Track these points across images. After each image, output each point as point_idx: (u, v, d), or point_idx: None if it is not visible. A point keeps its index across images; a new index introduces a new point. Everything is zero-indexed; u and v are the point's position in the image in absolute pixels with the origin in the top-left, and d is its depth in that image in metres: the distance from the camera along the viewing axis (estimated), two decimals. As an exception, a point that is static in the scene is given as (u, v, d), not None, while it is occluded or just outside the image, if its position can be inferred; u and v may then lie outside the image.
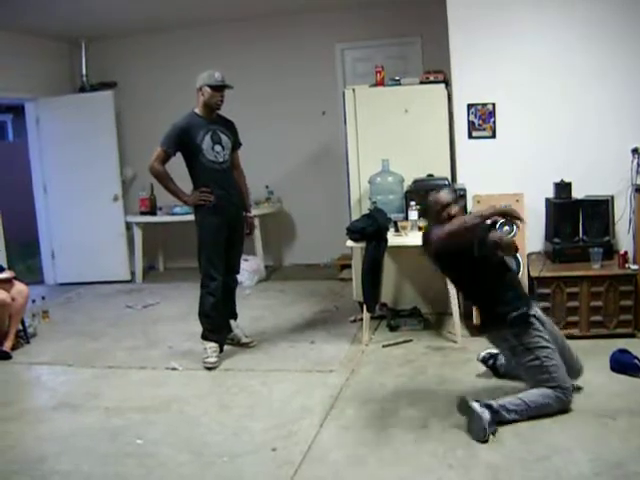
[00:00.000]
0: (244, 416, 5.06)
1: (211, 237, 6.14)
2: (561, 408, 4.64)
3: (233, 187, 6.32)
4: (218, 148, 6.13)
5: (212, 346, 6.18)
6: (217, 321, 6.27)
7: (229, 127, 6.31)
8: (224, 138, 6.19)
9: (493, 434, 4.42)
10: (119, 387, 5.83)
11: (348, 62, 9.85)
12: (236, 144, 6.40)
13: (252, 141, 9.90)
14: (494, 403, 4.55)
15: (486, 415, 4.41)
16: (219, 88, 6.07)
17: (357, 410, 5.02)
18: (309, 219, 10.10)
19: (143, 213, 9.99)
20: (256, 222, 7.09)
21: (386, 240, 6.44)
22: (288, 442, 4.57)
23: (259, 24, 9.82)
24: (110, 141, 9.90)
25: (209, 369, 6.03)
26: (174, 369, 6.14)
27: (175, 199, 6.36)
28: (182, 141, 6.07)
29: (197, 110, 6.16)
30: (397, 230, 6.56)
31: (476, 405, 4.48)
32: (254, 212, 9.52)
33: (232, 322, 6.61)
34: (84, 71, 10.25)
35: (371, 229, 6.39)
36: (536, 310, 4.89)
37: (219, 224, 6.14)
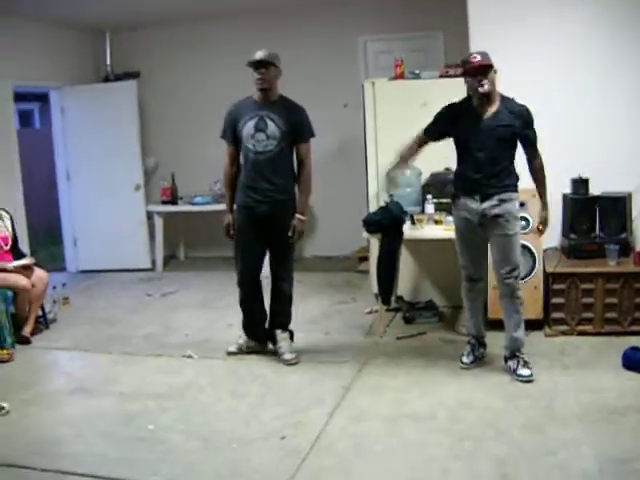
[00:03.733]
0: (256, 404, 5.11)
1: (237, 233, 5.96)
2: None
3: (272, 182, 5.75)
4: (261, 136, 5.67)
5: (240, 336, 6.18)
6: (246, 317, 6.14)
7: (289, 115, 5.77)
8: (271, 126, 5.68)
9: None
10: (135, 373, 5.91)
11: (370, 55, 9.83)
12: (298, 135, 5.83)
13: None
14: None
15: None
16: (256, 65, 5.67)
17: (368, 401, 5.07)
18: (330, 211, 10.09)
19: (164, 202, 10.03)
20: (306, 225, 6.05)
21: (402, 233, 6.47)
22: (297, 431, 4.62)
23: (282, 16, 9.82)
24: (133, 130, 9.95)
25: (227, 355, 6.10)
26: (190, 357, 6.20)
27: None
28: (232, 126, 5.82)
29: (255, 94, 5.81)
30: (413, 223, 6.58)
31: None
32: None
33: (279, 333, 6.08)
34: (108, 61, 10.32)
35: (387, 221, 6.42)
36: None
37: (244, 221, 5.89)
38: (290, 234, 5.83)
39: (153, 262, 10.16)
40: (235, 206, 5.94)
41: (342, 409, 4.94)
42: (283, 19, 9.86)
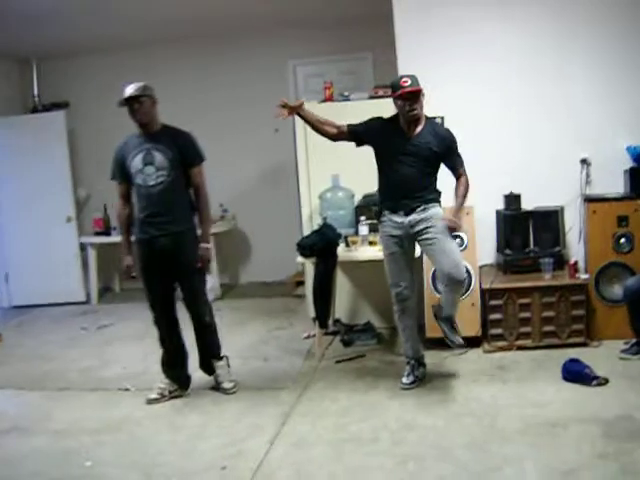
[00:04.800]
0: (195, 436, 5.00)
1: (141, 270, 5.73)
2: None
3: (167, 214, 5.52)
4: (149, 170, 5.46)
5: (162, 380, 5.88)
6: (165, 355, 5.87)
7: (174, 142, 5.55)
8: (158, 157, 5.46)
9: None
10: (70, 409, 5.76)
11: (300, 78, 9.88)
12: (187, 160, 5.57)
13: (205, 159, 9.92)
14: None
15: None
16: (129, 102, 5.46)
17: (309, 426, 4.99)
18: (264, 236, 10.09)
19: (97, 233, 9.92)
20: (212, 253, 5.95)
21: (336, 255, 6.45)
22: (238, 460, 4.53)
23: (212, 42, 9.84)
24: (63, 162, 9.83)
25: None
26: (126, 390, 6.07)
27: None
28: (120, 165, 5.62)
29: (139, 129, 5.63)
30: (347, 245, 6.56)
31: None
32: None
33: (214, 362, 5.87)
34: (36, 91, 10.19)
35: (320, 245, 6.40)
36: None
37: (145, 256, 5.66)
38: (199, 264, 5.62)
39: (87, 295, 9.99)
40: (135, 243, 5.75)
41: (283, 436, 4.86)
42: (213, 45, 9.88)
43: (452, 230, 5.38)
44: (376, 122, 5.53)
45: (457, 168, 5.44)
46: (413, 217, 5.38)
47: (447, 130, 5.57)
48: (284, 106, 5.58)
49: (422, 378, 5.69)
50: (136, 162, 5.50)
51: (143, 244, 5.64)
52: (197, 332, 5.84)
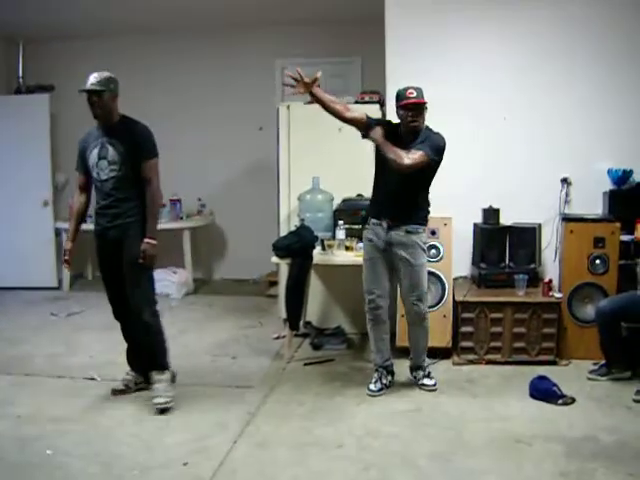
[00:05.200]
0: (159, 429, 4.96)
1: (97, 264, 5.75)
2: None
3: (118, 207, 5.38)
4: (103, 164, 5.34)
5: (127, 372, 5.80)
6: (129, 348, 5.78)
7: (128, 136, 5.38)
8: (111, 151, 5.32)
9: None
10: (34, 395, 5.69)
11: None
12: (138, 154, 5.35)
13: (186, 153, 9.88)
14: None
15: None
16: (88, 94, 5.34)
17: (273, 427, 4.97)
18: (241, 234, 10.09)
19: (73, 219, 9.78)
20: (156, 249, 5.39)
21: (311, 258, 6.44)
22: (200, 457, 4.50)
23: (199, 36, 9.84)
24: (43, 145, 9.75)
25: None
26: (92, 379, 6.02)
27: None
28: (82, 157, 5.52)
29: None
30: (324, 248, 6.55)
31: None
32: (185, 224, 9.46)
33: (153, 374, 5.46)
34: (20, 73, 10.11)
35: (296, 246, 6.38)
36: None
37: (99, 249, 5.60)
38: (141, 259, 5.30)
39: (60, 281, 9.92)
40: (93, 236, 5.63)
41: (247, 436, 4.84)
42: (200, 39, 9.86)
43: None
44: (388, 125, 5.53)
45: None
46: (394, 234, 5.45)
47: (443, 140, 5.47)
48: (298, 80, 5.36)
49: (389, 386, 5.69)
50: (92, 156, 5.40)
51: (97, 235, 5.58)
52: (137, 332, 5.54)
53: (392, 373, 5.77)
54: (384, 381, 5.66)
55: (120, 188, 5.37)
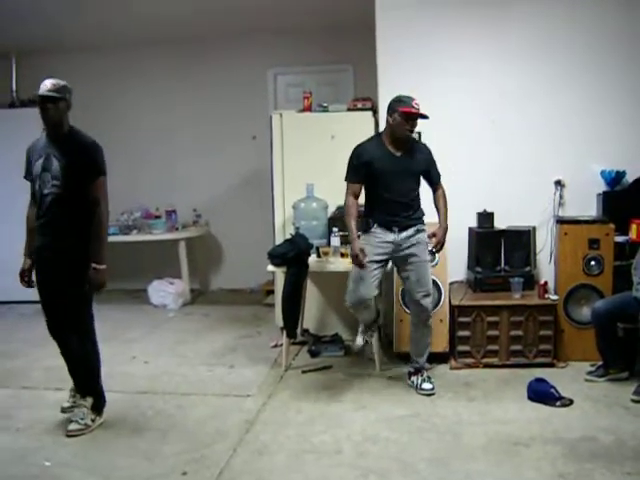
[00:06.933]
0: (157, 439, 4.96)
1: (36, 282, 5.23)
2: None
3: (56, 226, 4.97)
4: (46, 176, 4.93)
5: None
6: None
7: (75, 152, 4.99)
8: (55, 165, 4.93)
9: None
10: (32, 408, 5.69)
11: (280, 87, 9.89)
12: (84, 174, 4.95)
13: (181, 163, 9.86)
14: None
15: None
16: (42, 100, 4.99)
17: (272, 435, 4.96)
18: (237, 243, 10.07)
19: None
20: (105, 275, 5.09)
21: (307, 265, 6.45)
22: (200, 466, 4.50)
23: (192, 46, 9.83)
24: (37, 159, 9.66)
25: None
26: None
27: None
28: (28, 167, 5.16)
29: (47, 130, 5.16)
30: (319, 256, 6.56)
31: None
32: (181, 235, 9.39)
33: (78, 397, 5.30)
34: (14, 86, 10.10)
35: (292, 254, 6.37)
36: None
37: (37, 266, 5.17)
38: (87, 288, 5.01)
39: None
40: None
41: (246, 443, 4.83)
42: (193, 50, 9.86)
43: (439, 248, 5.76)
44: (359, 159, 5.58)
45: (436, 182, 5.72)
46: (405, 235, 5.58)
47: (425, 145, 5.77)
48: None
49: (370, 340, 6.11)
50: (37, 166, 5.02)
51: (35, 252, 5.16)
52: (66, 353, 5.29)
53: (376, 330, 6.12)
54: (366, 337, 6.04)
55: (59, 205, 4.96)
